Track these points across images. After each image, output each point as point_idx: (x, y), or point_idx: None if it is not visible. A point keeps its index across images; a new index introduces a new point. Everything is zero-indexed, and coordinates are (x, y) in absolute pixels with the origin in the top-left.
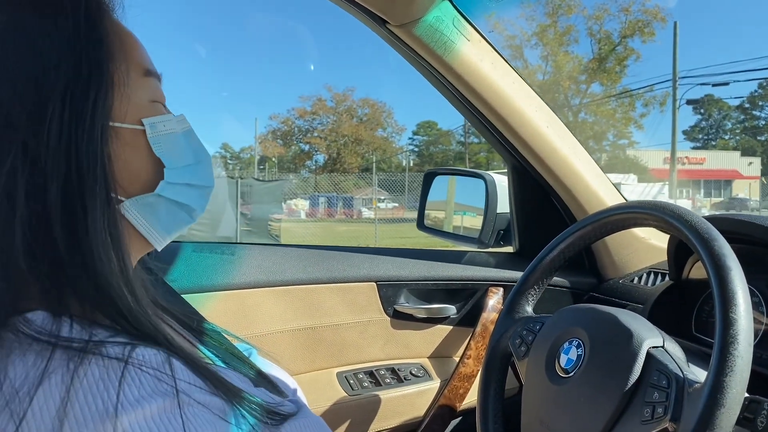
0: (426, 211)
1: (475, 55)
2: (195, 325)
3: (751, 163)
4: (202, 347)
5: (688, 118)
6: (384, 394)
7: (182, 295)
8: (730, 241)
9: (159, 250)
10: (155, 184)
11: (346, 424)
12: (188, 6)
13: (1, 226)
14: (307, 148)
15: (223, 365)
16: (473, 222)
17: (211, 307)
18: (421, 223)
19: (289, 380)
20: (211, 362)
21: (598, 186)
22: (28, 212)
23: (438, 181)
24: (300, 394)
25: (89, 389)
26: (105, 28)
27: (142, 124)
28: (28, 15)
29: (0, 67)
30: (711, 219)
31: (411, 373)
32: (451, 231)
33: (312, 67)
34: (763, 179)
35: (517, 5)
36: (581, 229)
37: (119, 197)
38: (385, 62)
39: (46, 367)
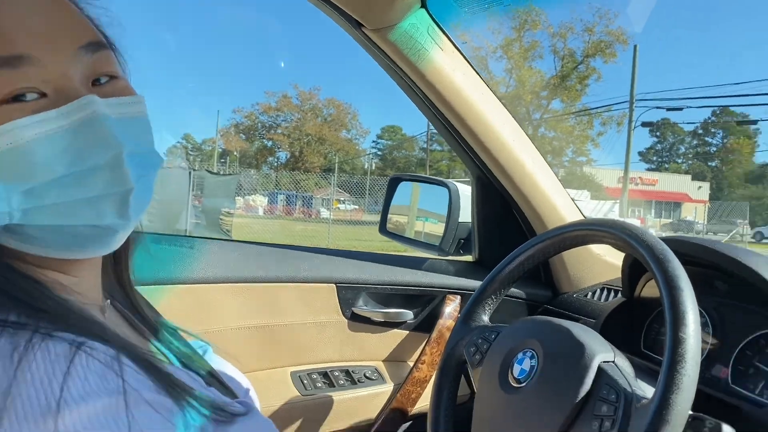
0: (389, 216)
1: (448, 65)
2: (150, 320)
3: (700, 187)
4: (156, 343)
5: (644, 139)
6: (337, 395)
7: (139, 287)
8: (682, 263)
9: (91, 256)
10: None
11: (297, 423)
12: None
13: None
14: (270, 144)
15: (177, 363)
16: (434, 228)
17: (168, 300)
18: (383, 228)
19: (242, 380)
20: (164, 359)
21: (558, 201)
22: None
23: (402, 186)
24: (252, 394)
25: (32, 383)
26: None
27: None
28: None
29: None
30: (666, 240)
31: (365, 375)
32: (412, 237)
33: (282, 65)
34: (709, 204)
35: (485, 18)
36: (541, 242)
37: None
38: (352, 64)
39: None
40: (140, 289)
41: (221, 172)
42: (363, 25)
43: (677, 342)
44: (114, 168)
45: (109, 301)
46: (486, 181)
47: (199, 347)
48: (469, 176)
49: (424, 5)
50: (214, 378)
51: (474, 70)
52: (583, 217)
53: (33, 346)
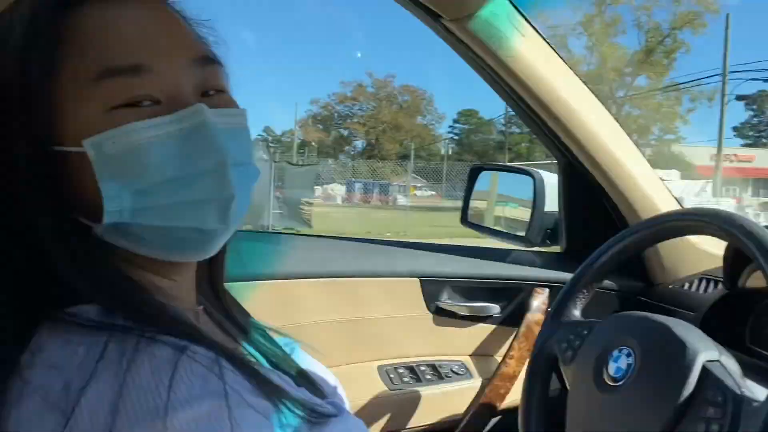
0: (471, 206)
1: (530, 51)
2: (241, 323)
3: None
4: (246, 345)
5: (738, 114)
6: (424, 390)
7: (228, 283)
8: None
9: (195, 260)
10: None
11: (385, 419)
12: None
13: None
14: (346, 133)
15: (266, 365)
16: (518, 214)
17: (255, 296)
18: (464, 218)
19: (330, 377)
20: (255, 362)
21: (652, 190)
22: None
23: (483, 176)
24: (340, 391)
25: (142, 387)
26: (51, 35)
27: (82, 146)
28: None
29: None
30: None
31: (452, 370)
32: (496, 227)
33: (359, 55)
34: None
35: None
36: (635, 233)
37: (88, 223)
38: (427, 50)
39: (100, 359)
40: (228, 285)
41: (300, 163)
42: (441, 16)
43: None
44: (219, 174)
45: (202, 306)
46: (573, 168)
47: (286, 345)
48: (552, 160)
49: None
50: (303, 378)
51: (557, 54)
52: (678, 206)
53: (140, 350)
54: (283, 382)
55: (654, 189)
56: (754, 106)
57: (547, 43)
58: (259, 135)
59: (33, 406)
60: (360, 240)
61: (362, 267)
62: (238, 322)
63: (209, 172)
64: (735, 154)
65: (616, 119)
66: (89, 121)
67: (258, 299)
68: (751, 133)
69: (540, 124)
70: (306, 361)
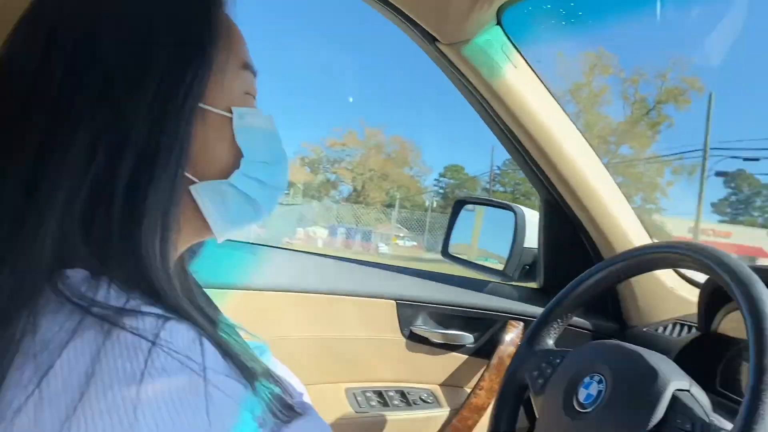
0: (452, 239)
1: (520, 82)
2: (213, 316)
3: None
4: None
5: (717, 190)
6: (391, 416)
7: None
8: None
9: (218, 239)
10: (230, 172)
11: None
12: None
13: (77, 175)
14: (333, 177)
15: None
16: (498, 249)
17: (228, 305)
18: (445, 251)
19: (296, 383)
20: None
21: (629, 227)
22: (103, 169)
23: (466, 210)
24: (306, 398)
25: (120, 353)
26: (214, 16)
27: (231, 112)
28: None
29: (117, 31)
30: (751, 268)
31: (420, 398)
32: (475, 261)
33: (351, 100)
34: None
35: (555, 52)
36: (612, 265)
37: (192, 178)
38: (418, 104)
39: (76, 328)
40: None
41: (284, 203)
42: (437, 40)
43: (762, 370)
44: (284, 171)
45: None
46: (555, 204)
47: (256, 348)
48: (537, 201)
49: (499, 22)
50: (272, 377)
51: (547, 89)
52: None
53: (123, 316)
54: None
55: (632, 227)
56: (733, 184)
57: (539, 77)
58: None
59: (16, 363)
60: (339, 258)
61: (339, 285)
62: (210, 313)
63: (282, 164)
64: (713, 230)
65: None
66: (233, 95)
67: (231, 308)
68: (728, 210)
69: (525, 156)
70: (274, 365)
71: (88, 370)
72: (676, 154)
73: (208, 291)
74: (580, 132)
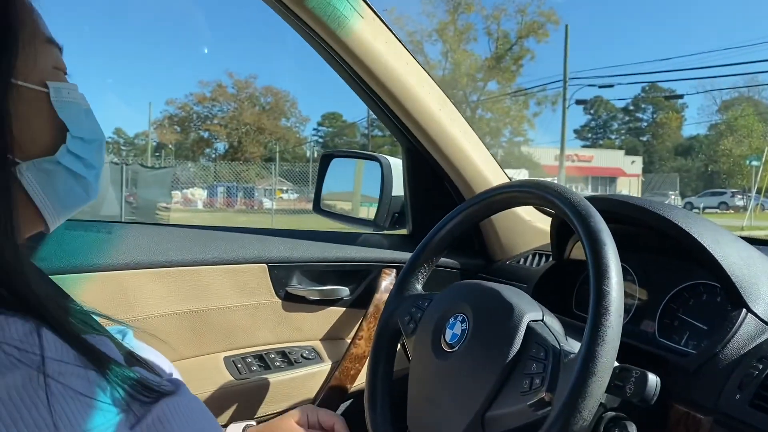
0: (323, 194)
1: (369, 33)
2: (59, 304)
3: (633, 161)
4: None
5: (578, 117)
6: (273, 378)
7: (53, 276)
8: (606, 221)
9: (50, 229)
10: (54, 150)
11: (232, 409)
12: None
13: None
14: (206, 135)
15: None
16: (370, 212)
17: (87, 289)
18: (317, 206)
19: (164, 363)
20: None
21: (486, 168)
22: None
23: (335, 163)
24: (177, 376)
25: None
26: None
27: (47, 87)
28: None
29: None
30: (590, 199)
31: (302, 356)
32: (346, 214)
33: (206, 51)
34: (642, 177)
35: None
36: (468, 208)
37: (15, 159)
38: (289, 52)
39: None
40: (55, 278)
41: (156, 166)
42: None
43: (601, 295)
44: (101, 150)
45: None
46: (415, 152)
47: (117, 332)
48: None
49: None
50: (134, 359)
51: (397, 38)
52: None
53: None
54: (114, 354)
55: (488, 168)
56: (592, 111)
57: (387, 26)
58: (109, 137)
59: None
60: (203, 227)
61: (205, 255)
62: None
63: (99, 144)
64: (576, 155)
65: (470, 122)
66: (44, 71)
67: (90, 292)
68: (589, 135)
69: (383, 108)
70: (139, 347)
71: None
72: (539, 86)
73: (62, 278)
74: (435, 79)
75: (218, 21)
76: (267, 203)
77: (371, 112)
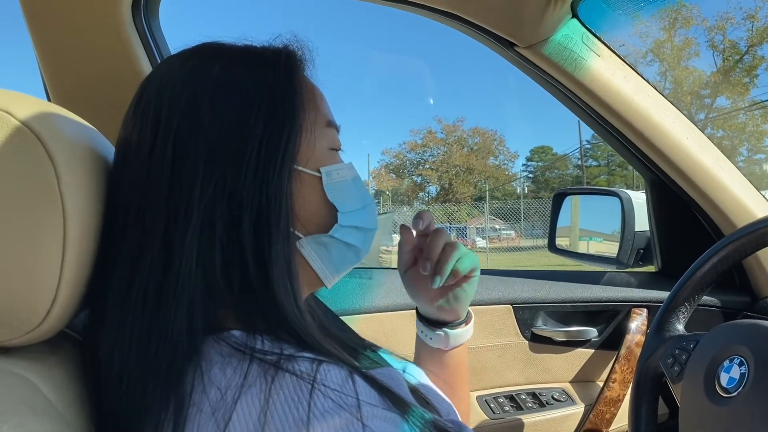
0: (558, 233)
1: (607, 70)
2: (356, 347)
3: None
4: (359, 363)
5: None
6: (527, 419)
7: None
8: None
9: (329, 287)
10: (329, 227)
11: None
12: None
13: (206, 247)
14: (419, 180)
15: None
16: (602, 248)
17: (356, 330)
18: (552, 245)
19: (444, 396)
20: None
21: (745, 197)
22: (226, 238)
23: (568, 201)
24: (455, 409)
25: (285, 400)
26: (298, 81)
27: (320, 172)
28: (238, 66)
29: (214, 109)
30: None
31: (553, 397)
32: (585, 252)
33: (431, 101)
34: None
35: (630, 24)
36: (736, 240)
37: (297, 233)
38: (493, 92)
39: (245, 377)
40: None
41: (377, 212)
42: (515, 44)
43: None
44: (373, 210)
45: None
46: (661, 184)
47: (398, 365)
48: (642, 183)
49: (575, 15)
50: (417, 394)
51: (635, 71)
52: None
53: (281, 367)
54: (406, 389)
55: (747, 196)
56: None
57: (624, 61)
58: None
59: (194, 418)
60: None
61: None
62: (353, 344)
63: (369, 207)
64: None
65: None
66: (320, 154)
67: (359, 332)
68: None
69: (623, 142)
70: (421, 380)
71: (260, 419)
72: None
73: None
74: (672, 102)
75: (425, 69)
76: (480, 242)
77: (584, 142)
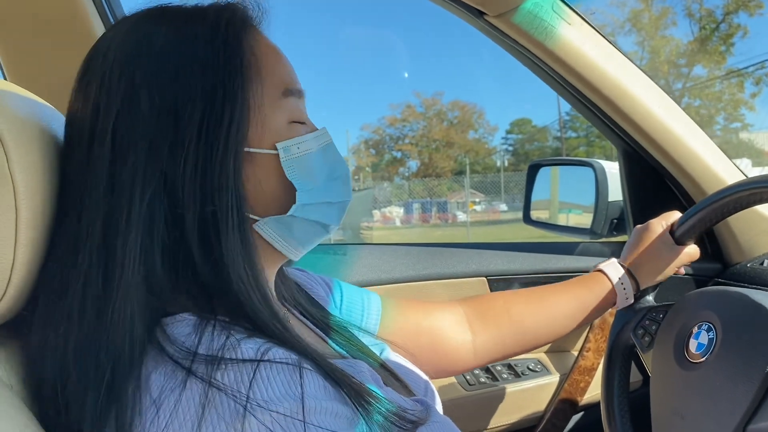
0: (532, 204)
1: (577, 39)
2: (325, 321)
3: None
4: (331, 342)
5: None
6: (502, 389)
7: None
8: None
9: (295, 260)
10: (289, 206)
11: (465, 419)
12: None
13: (143, 252)
14: (399, 155)
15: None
16: (580, 220)
17: None
18: (527, 217)
19: (421, 374)
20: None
21: (717, 165)
22: (168, 239)
23: (543, 172)
24: (431, 386)
25: (224, 391)
26: (243, 51)
27: (276, 149)
28: (179, 35)
29: (152, 92)
30: None
31: (528, 368)
32: (559, 223)
33: (406, 75)
34: None
35: None
36: (703, 209)
37: (253, 217)
38: (472, 65)
39: (184, 381)
40: None
41: (356, 189)
42: (485, 13)
43: None
44: (346, 181)
45: (288, 307)
46: (634, 153)
47: (374, 345)
48: (615, 153)
49: None
50: (390, 376)
51: (606, 39)
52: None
53: (226, 351)
54: (371, 378)
55: (718, 163)
56: None
57: (595, 29)
58: None
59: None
60: (423, 245)
61: (428, 270)
62: (319, 319)
63: (342, 178)
64: None
65: None
66: (278, 129)
67: None
68: None
69: (595, 111)
70: (396, 360)
71: (199, 415)
72: (757, 63)
73: None
74: (644, 71)
75: (402, 43)
76: (461, 216)
77: (563, 114)
